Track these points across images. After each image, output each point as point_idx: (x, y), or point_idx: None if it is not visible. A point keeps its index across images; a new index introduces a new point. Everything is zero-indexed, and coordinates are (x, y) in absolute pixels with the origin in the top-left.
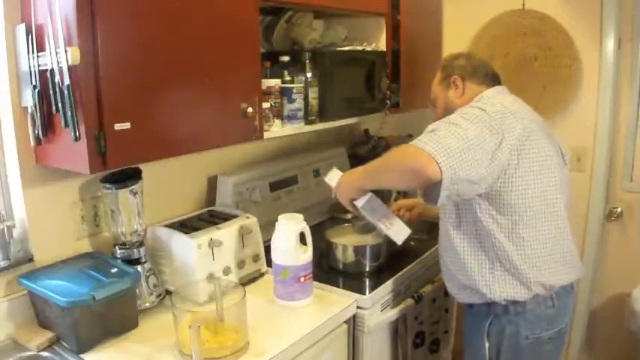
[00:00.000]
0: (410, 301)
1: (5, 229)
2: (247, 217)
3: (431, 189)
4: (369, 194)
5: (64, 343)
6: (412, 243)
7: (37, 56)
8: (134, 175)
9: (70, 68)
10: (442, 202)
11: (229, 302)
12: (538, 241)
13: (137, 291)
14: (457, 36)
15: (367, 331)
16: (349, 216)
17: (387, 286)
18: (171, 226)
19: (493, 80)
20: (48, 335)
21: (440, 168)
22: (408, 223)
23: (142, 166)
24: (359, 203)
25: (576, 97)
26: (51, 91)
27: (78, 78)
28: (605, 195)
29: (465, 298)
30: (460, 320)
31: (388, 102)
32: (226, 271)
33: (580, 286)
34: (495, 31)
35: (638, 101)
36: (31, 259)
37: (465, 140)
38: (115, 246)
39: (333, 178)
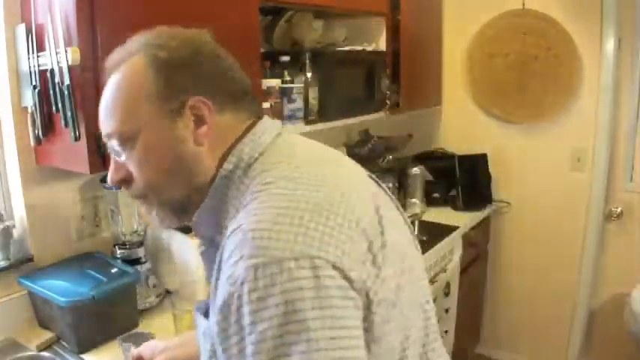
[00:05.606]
0: None
1: (5, 229)
2: None
3: None
4: None
5: (64, 343)
6: None
7: (37, 56)
8: None
9: (70, 68)
10: None
11: None
12: None
13: (137, 291)
14: (457, 36)
15: None
16: None
17: None
18: None
19: (250, 101)
20: (48, 335)
21: None
22: None
23: None
24: None
25: (576, 96)
26: (51, 91)
27: (78, 78)
28: (605, 195)
29: None
30: (460, 320)
31: (388, 102)
32: None
33: (580, 286)
34: (496, 30)
35: (638, 101)
36: (31, 259)
37: None
38: (115, 246)
39: None
